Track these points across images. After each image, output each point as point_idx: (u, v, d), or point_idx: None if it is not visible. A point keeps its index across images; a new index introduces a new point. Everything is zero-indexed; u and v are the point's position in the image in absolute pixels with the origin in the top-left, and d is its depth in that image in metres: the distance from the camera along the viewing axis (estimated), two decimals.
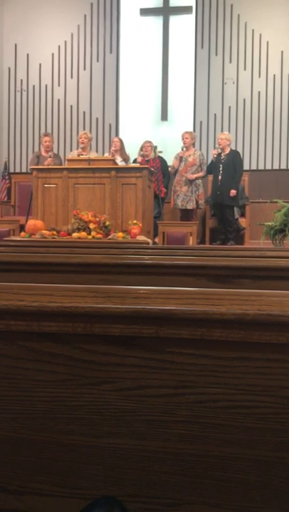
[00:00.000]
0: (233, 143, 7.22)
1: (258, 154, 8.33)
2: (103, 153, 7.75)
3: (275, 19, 8.15)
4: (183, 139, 7.05)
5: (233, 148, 7.18)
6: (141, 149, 7.16)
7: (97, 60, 8.72)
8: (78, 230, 5.45)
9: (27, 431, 0.92)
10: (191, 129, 7.89)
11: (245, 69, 8.33)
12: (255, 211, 7.21)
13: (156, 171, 6.79)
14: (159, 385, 0.86)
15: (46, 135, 7.35)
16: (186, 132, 7.15)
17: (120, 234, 5.46)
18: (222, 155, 6.87)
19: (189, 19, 8.46)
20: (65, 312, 0.85)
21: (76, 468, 0.91)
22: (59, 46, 8.75)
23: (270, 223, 5.01)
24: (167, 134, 8.39)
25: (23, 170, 8.71)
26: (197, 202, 6.94)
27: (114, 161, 6.20)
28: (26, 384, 0.91)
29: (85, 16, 8.65)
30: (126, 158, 6.82)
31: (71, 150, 8.04)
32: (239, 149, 7.63)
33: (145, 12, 8.55)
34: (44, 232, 5.54)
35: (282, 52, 8.18)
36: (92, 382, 0.88)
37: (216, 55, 8.37)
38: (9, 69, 8.92)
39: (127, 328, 0.84)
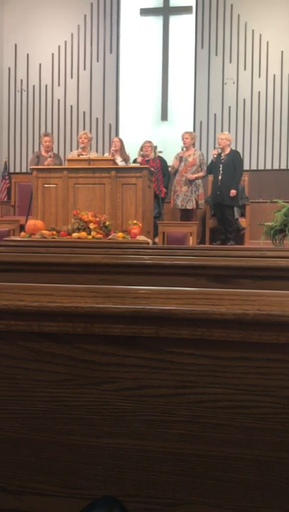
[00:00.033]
0: (233, 143, 7.22)
1: (258, 154, 8.33)
2: (103, 153, 7.75)
3: (275, 19, 8.15)
4: (183, 139, 7.05)
5: (233, 148, 7.18)
6: (141, 149, 7.16)
7: (97, 60, 8.72)
8: (78, 230, 5.45)
9: (27, 431, 0.92)
10: (191, 129, 7.89)
11: (245, 69, 8.33)
12: (255, 211, 7.21)
13: (156, 171, 6.79)
14: (159, 385, 0.86)
15: (46, 135, 7.35)
16: (186, 132, 7.15)
17: (120, 234, 5.46)
18: (222, 155, 6.87)
19: (189, 19, 8.47)
20: (65, 312, 0.85)
21: (76, 468, 0.91)
22: (59, 46, 8.75)
23: (270, 223, 5.01)
24: (167, 134, 8.39)
25: (23, 170, 8.71)
26: (197, 202, 6.94)
27: (114, 161, 6.20)
28: (26, 384, 0.91)
29: (85, 16, 8.65)
30: (126, 158, 6.82)
31: (71, 150, 8.04)
32: (239, 149, 7.63)
33: (145, 12, 8.55)
34: (44, 232, 5.54)
35: (282, 52, 8.18)
36: (92, 382, 0.88)
37: (216, 55, 8.37)
38: (9, 69, 8.93)
39: (127, 328, 0.84)
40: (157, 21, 8.52)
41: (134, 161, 7.12)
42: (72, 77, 8.79)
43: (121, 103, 8.72)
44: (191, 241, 6.09)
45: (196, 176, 6.90)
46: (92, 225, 5.45)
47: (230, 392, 0.84)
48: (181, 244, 5.77)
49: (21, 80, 8.91)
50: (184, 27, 8.48)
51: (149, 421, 0.87)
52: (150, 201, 6.20)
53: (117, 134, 8.35)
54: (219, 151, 6.93)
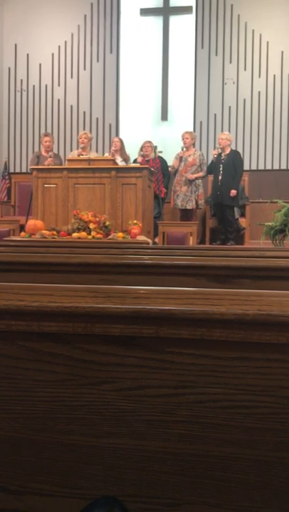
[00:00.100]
0: (233, 143, 7.22)
1: (258, 154, 8.33)
2: (103, 153, 7.75)
3: (275, 19, 8.15)
4: (183, 139, 7.05)
5: (233, 148, 7.18)
6: (141, 149, 7.16)
7: (97, 60, 8.72)
8: (78, 230, 5.45)
9: (27, 431, 0.92)
10: (191, 129, 7.89)
11: (245, 69, 8.33)
12: (255, 211, 7.21)
13: (156, 171, 6.79)
14: (159, 385, 0.86)
15: (46, 135, 7.35)
16: (186, 132, 7.15)
17: (120, 234, 5.46)
18: (222, 155, 6.87)
19: (189, 19, 8.47)
20: (65, 312, 0.85)
21: (76, 468, 0.91)
22: (59, 46, 8.75)
23: (270, 223, 5.01)
24: (167, 134, 8.39)
25: (23, 170, 8.71)
26: (197, 202, 6.94)
27: (114, 161, 6.20)
28: (26, 384, 0.91)
29: (85, 16, 8.66)
30: (126, 158, 6.82)
31: (71, 150, 8.04)
32: (239, 149, 7.63)
33: (145, 12, 8.55)
34: (44, 232, 5.54)
35: (282, 52, 8.18)
36: (92, 382, 0.88)
37: (216, 55, 8.37)
38: (9, 69, 8.93)
39: (127, 328, 0.84)
40: (157, 21, 8.52)
41: (134, 161, 7.12)
42: (72, 77, 8.79)
43: (121, 103, 8.73)
44: (191, 241, 6.09)
45: (195, 176, 6.90)
46: (92, 225, 5.45)
47: (230, 392, 0.84)
48: (181, 244, 5.77)
49: (21, 80, 8.91)
50: (184, 27, 8.48)
51: (149, 421, 0.87)
52: (150, 201, 6.20)
53: (117, 134, 8.35)
54: (219, 151, 6.93)
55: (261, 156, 8.33)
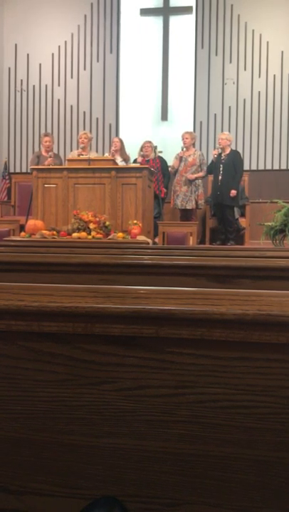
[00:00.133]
0: (233, 143, 7.22)
1: (258, 154, 8.33)
2: (103, 153, 7.75)
3: (275, 19, 8.15)
4: (183, 139, 7.05)
5: (233, 148, 7.18)
6: (141, 149, 7.16)
7: (97, 60, 8.72)
8: (78, 230, 5.45)
9: (27, 431, 0.92)
10: (191, 129, 7.89)
11: (245, 69, 8.33)
12: (255, 211, 7.21)
13: (156, 171, 6.79)
14: (159, 385, 0.86)
15: (46, 135, 7.35)
16: (186, 132, 7.15)
17: (120, 234, 5.46)
18: (222, 155, 6.87)
19: (189, 19, 8.47)
20: (65, 312, 0.85)
21: (76, 468, 0.91)
22: (59, 46, 8.75)
23: (270, 223, 5.01)
24: (167, 134, 8.39)
25: (23, 170, 8.71)
26: (197, 202, 6.95)
27: (114, 161, 6.20)
28: (26, 384, 0.91)
29: (85, 16, 8.66)
30: (126, 158, 6.82)
31: (71, 150, 8.04)
32: (239, 149, 7.63)
33: (145, 12, 8.55)
34: (44, 232, 5.54)
35: (282, 52, 8.18)
36: (92, 382, 0.88)
37: (216, 55, 8.37)
38: (9, 69, 8.93)
39: (127, 328, 0.84)
40: (157, 21, 8.52)
41: (135, 161, 7.12)
42: (72, 77, 8.79)
43: (121, 103, 8.72)
44: (191, 241, 6.09)
45: (195, 176, 6.90)
46: (92, 225, 5.45)
47: (230, 392, 0.84)
48: (181, 245, 5.77)
49: (21, 80, 8.91)
50: (184, 27, 8.48)
51: (149, 421, 0.87)
52: (150, 201, 6.20)
53: (117, 134, 8.35)
54: (219, 151, 6.93)
55: (261, 156, 8.33)
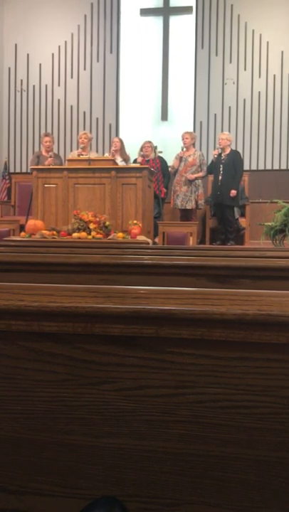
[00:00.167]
0: (233, 143, 7.22)
1: (258, 154, 8.33)
2: (103, 153, 7.75)
3: (275, 19, 8.15)
4: (183, 139, 7.05)
5: (233, 148, 7.18)
6: (141, 149, 7.16)
7: (97, 60, 8.72)
8: (78, 230, 5.45)
9: (27, 431, 0.92)
10: (191, 129, 7.89)
11: (245, 69, 8.33)
12: (255, 211, 7.21)
13: (156, 171, 6.79)
14: (159, 385, 0.86)
15: (47, 135, 7.35)
16: (186, 132, 7.15)
17: (120, 234, 5.46)
18: (222, 155, 6.87)
19: (189, 19, 8.47)
20: (65, 312, 0.85)
21: (76, 468, 0.91)
22: (59, 46, 8.75)
23: (270, 223, 5.01)
24: (167, 134, 8.39)
25: (23, 170, 8.71)
26: (197, 202, 6.95)
27: (114, 161, 6.20)
28: (26, 384, 0.91)
29: (85, 16, 8.66)
30: (126, 159, 6.82)
31: (71, 150, 8.04)
32: (239, 149, 7.63)
33: (145, 12, 8.55)
34: (44, 232, 5.54)
35: (282, 52, 8.18)
36: (92, 382, 0.88)
37: (216, 55, 8.37)
38: (9, 69, 8.93)
39: (127, 328, 0.84)
40: (157, 21, 8.52)
41: (135, 161, 7.12)
42: (72, 77, 8.79)
43: (121, 103, 8.73)
44: (191, 241, 6.09)
45: (195, 176, 6.90)
46: (92, 225, 5.45)
47: (230, 392, 0.84)
48: (181, 245, 5.77)
49: (21, 80, 8.91)
50: (184, 27, 8.48)
51: (149, 421, 0.87)
52: (150, 201, 6.20)
53: (117, 134, 8.35)
54: (220, 151, 6.93)
55: (261, 156, 8.33)
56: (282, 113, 8.24)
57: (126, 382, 0.87)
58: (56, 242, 4.51)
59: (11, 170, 8.79)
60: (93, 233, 5.41)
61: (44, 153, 7.10)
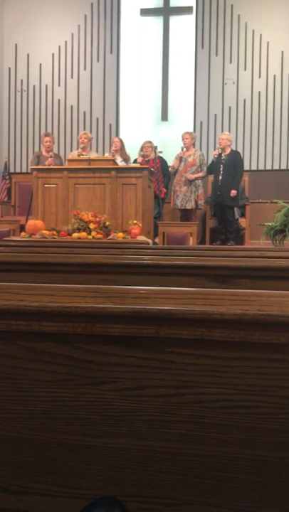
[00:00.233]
0: (233, 143, 7.23)
1: (258, 154, 8.33)
2: (103, 154, 7.75)
3: (275, 19, 8.15)
4: (183, 139, 7.05)
5: (233, 148, 7.18)
6: (141, 149, 7.16)
7: (98, 60, 8.72)
8: (78, 230, 5.45)
9: (27, 431, 0.92)
10: (191, 130, 7.89)
11: (245, 69, 8.33)
12: (255, 211, 7.21)
13: (156, 171, 6.79)
14: (159, 385, 0.86)
15: (47, 135, 7.35)
16: (186, 132, 7.15)
17: (120, 234, 5.46)
18: (223, 155, 6.87)
19: (189, 19, 8.47)
20: (65, 312, 0.85)
21: (76, 468, 0.91)
22: (59, 46, 8.75)
23: (270, 223, 5.01)
24: (167, 134, 8.39)
25: (23, 170, 8.71)
26: (196, 202, 6.95)
27: (114, 161, 6.20)
28: (26, 384, 0.91)
29: (86, 16, 8.66)
30: (126, 159, 6.82)
31: (71, 150, 8.04)
32: (239, 149, 7.63)
33: (145, 12, 8.55)
34: (44, 232, 5.54)
35: (282, 52, 8.18)
36: (92, 382, 0.88)
37: (217, 55, 8.37)
38: (9, 69, 8.93)
39: (127, 328, 0.84)
40: (157, 21, 8.52)
41: (135, 161, 7.12)
42: (72, 77, 8.79)
43: (121, 103, 8.73)
44: (191, 241, 6.09)
45: (195, 176, 6.91)
46: (92, 225, 5.45)
47: (230, 392, 0.84)
48: (181, 245, 5.77)
49: (21, 80, 8.91)
50: (184, 27, 8.48)
51: (149, 421, 0.87)
52: (150, 201, 6.20)
53: (117, 134, 8.35)
54: (220, 151, 6.93)
55: (261, 156, 8.33)
56: (282, 113, 8.24)
57: (126, 382, 0.87)
58: (56, 242, 4.51)
59: (11, 170, 8.79)
60: (93, 233, 5.41)
61: (44, 153, 7.11)
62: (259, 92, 8.30)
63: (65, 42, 8.74)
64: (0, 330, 0.89)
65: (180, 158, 7.00)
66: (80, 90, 8.77)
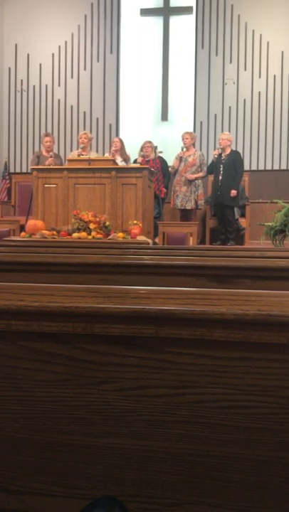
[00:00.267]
0: (233, 143, 7.23)
1: (258, 154, 8.33)
2: (103, 154, 7.75)
3: (275, 19, 8.15)
4: (183, 139, 7.06)
5: (233, 148, 7.18)
6: (141, 149, 7.16)
7: (98, 60, 8.72)
8: (78, 230, 5.45)
9: (27, 431, 0.92)
10: (191, 130, 7.89)
11: (245, 69, 8.33)
12: (255, 211, 7.21)
13: (156, 171, 6.79)
14: (159, 385, 0.86)
15: (47, 135, 7.35)
16: (186, 132, 7.15)
17: (120, 234, 5.46)
18: (223, 155, 6.87)
19: (189, 19, 8.47)
20: (65, 312, 0.85)
21: (76, 468, 0.91)
22: (59, 46, 8.75)
23: (270, 223, 5.01)
24: (167, 134, 8.39)
25: (23, 170, 8.71)
26: (196, 202, 6.95)
27: (114, 161, 6.20)
28: (26, 384, 0.91)
29: (86, 16, 8.66)
30: (126, 159, 6.82)
31: (71, 150, 8.04)
32: (239, 149, 7.63)
33: (145, 12, 8.55)
34: (44, 232, 5.54)
35: (282, 52, 8.18)
36: (92, 382, 0.88)
37: (217, 55, 8.37)
38: (9, 69, 8.93)
39: (127, 328, 0.84)
40: (157, 21, 8.52)
41: (135, 161, 7.12)
42: (72, 77, 8.79)
43: (121, 103, 8.73)
44: (191, 241, 6.09)
45: (195, 176, 6.91)
46: (92, 225, 5.45)
47: (230, 392, 0.84)
48: (181, 245, 5.77)
49: (21, 80, 8.91)
50: (184, 27, 8.48)
51: (149, 421, 0.87)
52: (150, 201, 6.20)
53: (117, 134, 8.35)
54: (220, 151, 6.93)
55: (261, 156, 8.33)
56: (282, 113, 8.24)
57: (126, 382, 0.87)
58: (56, 242, 4.51)
59: (11, 170, 8.79)
60: (93, 233, 5.41)
61: (44, 153, 7.11)
62: (259, 92, 8.30)
63: (65, 42, 8.74)
64: (0, 330, 0.89)
65: (180, 158, 7.00)
66: (80, 90, 8.77)
